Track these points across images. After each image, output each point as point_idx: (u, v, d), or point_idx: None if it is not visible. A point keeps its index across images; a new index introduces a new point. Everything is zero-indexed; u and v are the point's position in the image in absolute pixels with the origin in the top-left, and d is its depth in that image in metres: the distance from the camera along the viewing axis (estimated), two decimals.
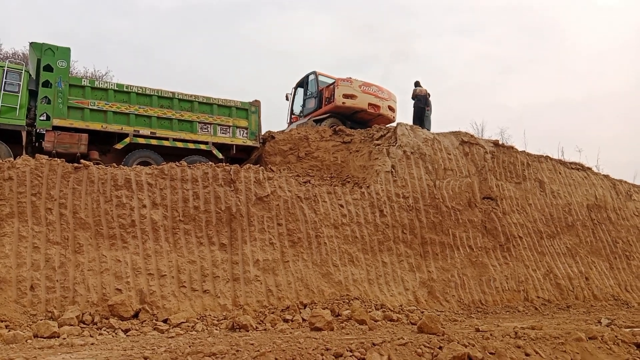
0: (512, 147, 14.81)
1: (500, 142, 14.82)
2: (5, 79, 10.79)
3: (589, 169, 16.40)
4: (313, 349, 5.52)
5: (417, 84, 16.05)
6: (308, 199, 10.66)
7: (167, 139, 12.21)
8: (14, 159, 9.07)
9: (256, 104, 13.71)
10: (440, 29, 64.96)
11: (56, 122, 11.12)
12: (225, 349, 5.27)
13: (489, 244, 12.27)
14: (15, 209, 8.27)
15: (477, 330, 7.26)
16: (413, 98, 15.84)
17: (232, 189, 9.95)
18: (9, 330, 6.49)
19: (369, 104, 15.03)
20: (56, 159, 9.13)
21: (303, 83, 16.50)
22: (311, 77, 16.09)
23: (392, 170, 12.09)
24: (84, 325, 7.25)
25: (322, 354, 5.46)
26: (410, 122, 14.46)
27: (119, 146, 11.72)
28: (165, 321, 7.77)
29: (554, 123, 48.38)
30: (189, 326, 7.56)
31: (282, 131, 15.78)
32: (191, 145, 12.51)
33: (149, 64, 50.16)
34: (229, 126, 13.15)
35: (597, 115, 52.47)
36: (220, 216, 9.60)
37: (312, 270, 9.85)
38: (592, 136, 44.69)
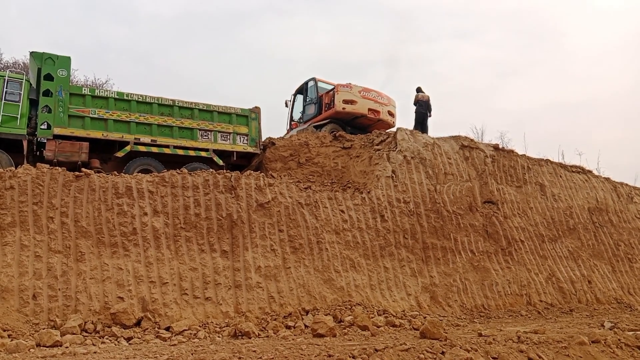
0: (513, 151, 14.83)
1: (500, 146, 14.84)
2: (6, 88, 10.83)
3: (590, 172, 16.40)
4: (315, 356, 5.52)
5: (419, 89, 16.08)
6: (309, 204, 10.67)
7: (167, 146, 12.24)
8: (15, 168, 9.09)
9: (256, 110, 13.75)
10: (439, 34, 65.17)
11: (57, 130, 11.15)
12: (228, 357, 5.27)
13: (490, 248, 12.26)
14: (17, 217, 8.28)
15: (480, 335, 7.25)
16: (415, 104, 15.88)
17: (233, 196, 9.97)
18: (12, 340, 6.48)
19: (369, 110, 15.07)
20: (57, 167, 9.16)
21: (302, 89, 16.54)
22: (310, 83, 16.13)
23: (393, 175, 12.10)
24: (87, 334, 7.25)
25: None
26: (410, 127, 14.47)
27: (119, 154, 11.74)
28: (167, 329, 7.76)
29: (554, 126, 48.44)
30: (191, 334, 7.56)
31: (282, 137, 15.82)
32: (192, 153, 12.54)
33: (149, 71, 50.32)
34: (230, 133, 13.18)
35: (597, 118, 52.54)
36: (221, 223, 9.61)
37: (314, 276, 9.84)
38: (593, 139, 44.78)
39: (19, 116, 10.81)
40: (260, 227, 9.87)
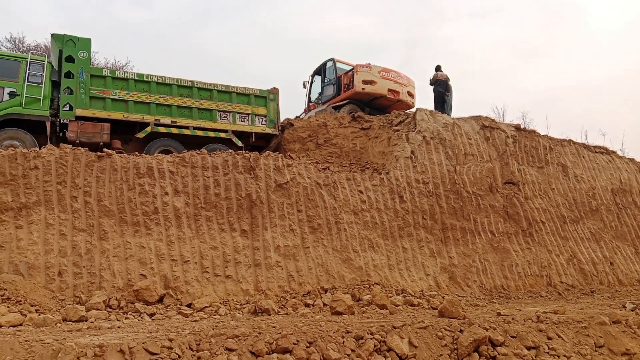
0: (534, 131, 14.59)
1: (521, 126, 14.61)
2: (29, 70, 10.99)
3: (614, 152, 16.07)
4: (334, 332, 5.58)
5: (437, 68, 15.86)
6: (327, 185, 10.69)
7: (187, 127, 12.33)
8: (39, 148, 9.27)
9: (274, 91, 13.73)
10: (459, 13, 63.89)
11: (79, 112, 11.31)
12: (248, 332, 5.36)
13: (510, 229, 12.16)
14: (42, 197, 8.47)
15: (499, 314, 7.24)
16: (432, 83, 15.67)
17: (252, 176, 10.03)
18: (39, 314, 6.68)
19: (389, 90, 14.94)
20: (80, 148, 9.32)
21: (320, 70, 16.45)
22: (329, 64, 16.02)
23: (412, 155, 12.03)
24: (111, 310, 7.44)
25: (343, 337, 5.52)
26: (430, 108, 14.33)
27: (140, 135, 11.88)
28: (189, 306, 7.92)
29: (577, 107, 47.45)
30: (212, 310, 7.70)
31: (297, 117, 15.81)
32: (211, 134, 12.62)
33: (168, 53, 50.49)
34: (248, 114, 13.21)
35: (622, 98, 51.22)
36: (240, 203, 9.69)
37: (333, 256, 9.90)
38: (617, 120, 43.72)
39: (41, 98, 10.97)
40: (279, 207, 9.94)
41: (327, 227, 10.17)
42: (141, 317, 7.19)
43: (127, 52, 55.91)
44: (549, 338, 6.39)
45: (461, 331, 5.95)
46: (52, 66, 11.63)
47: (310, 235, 9.96)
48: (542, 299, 10.71)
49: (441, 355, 5.65)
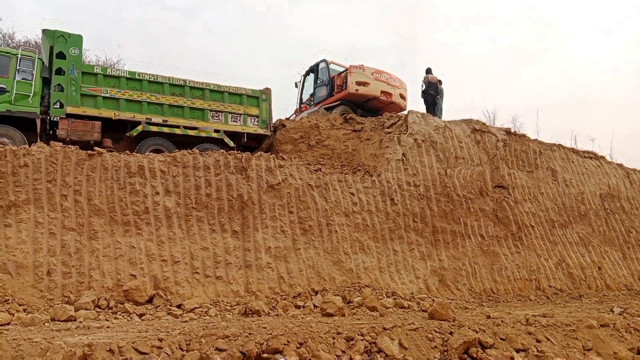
0: (524, 136, 14.70)
1: (512, 130, 14.71)
2: (19, 66, 10.87)
3: (602, 157, 16.24)
4: (325, 333, 5.59)
5: (428, 71, 15.93)
6: (319, 187, 10.69)
7: (178, 126, 12.27)
8: (29, 146, 9.18)
9: (267, 92, 13.71)
10: (452, 18, 64.18)
11: (69, 109, 11.21)
12: (238, 332, 5.35)
13: (500, 233, 12.24)
14: (31, 195, 8.39)
15: (488, 317, 7.28)
16: (425, 91, 15.71)
17: (244, 177, 10.01)
18: (27, 314, 6.62)
19: (382, 92, 14.98)
20: (70, 146, 9.24)
21: (313, 71, 16.45)
22: (322, 65, 16.03)
23: (403, 158, 12.07)
24: (100, 310, 7.38)
25: (333, 338, 5.52)
26: (421, 110, 14.38)
27: (131, 134, 11.80)
28: (179, 306, 7.87)
29: (567, 113, 47.82)
30: (202, 311, 7.67)
31: (289, 118, 15.80)
32: (203, 134, 12.57)
33: (159, 53, 50.20)
34: (240, 114, 13.18)
35: (611, 104, 51.71)
36: (232, 203, 9.67)
37: (324, 257, 9.90)
38: (606, 127, 44.14)
39: (31, 94, 10.86)
40: (271, 208, 9.92)
41: (318, 228, 10.17)
42: (130, 318, 7.15)
43: (118, 50, 55.45)
44: (538, 341, 6.44)
45: (451, 333, 5.97)
46: (43, 62, 11.52)
47: (302, 236, 9.96)
48: (531, 302, 10.79)
49: (431, 357, 5.66)
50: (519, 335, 6.39)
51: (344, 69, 15.41)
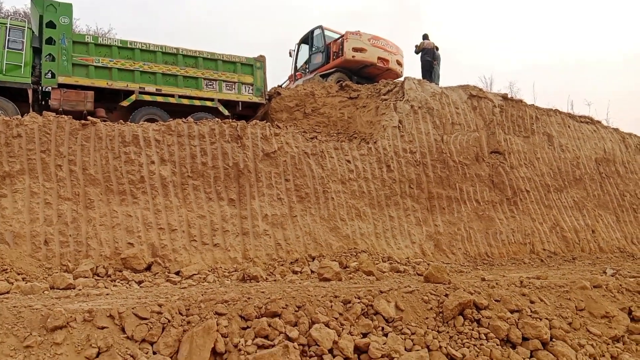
0: (521, 101, 14.63)
1: (509, 96, 14.63)
2: (9, 36, 10.69)
3: (599, 122, 16.23)
4: (322, 296, 5.66)
5: (425, 36, 15.73)
6: (315, 154, 10.67)
7: (172, 95, 12.16)
8: (22, 116, 9.09)
9: (261, 59, 13.55)
10: None
11: (61, 79, 11.08)
12: (237, 297, 5.41)
13: (496, 198, 12.31)
14: (26, 165, 8.35)
15: (483, 279, 7.38)
16: (418, 52, 15.55)
17: (239, 145, 9.97)
18: (26, 282, 6.67)
19: (378, 58, 14.81)
20: (64, 116, 9.15)
21: (308, 38, 16.21)
22: (317, 31, 15.78)
23: (399, 125, 12.02)
24: (99, 278, 7.44)
25: (331, 301, 5.60)
26: (418, 77, 14.25)
27: (125, 103, 11.70)
28: (177, 273, 7.95)
29: (564, 78, 47.52)
30: (200, 278, 7.74)
31: (280, 86, 15.67)
32: (197, 102, 12.47)
33: (151, 21, 49.31)
34: (235, 82, 13.05)
35: (607, 71, 51.37)
36: (228, 172, 9.66)
37: (320, 224, 9.96)
38: (603, 91, 43.93)
39: (22, 65, 10.71)
40: (267, 176, 9.92)
41: (314, 196, 10.20)
42: (129, 285, 7.21)
43: (109, 20, 54.44)
44: (532, 302, 6.55)
45: (446, 295, 6.06)
46: (33, 32, 11.32)
47: (298, 204, 9.99)
48: (525, 265, 10.93)
49: (427, 318, 5.76)
50: (513, 296, 6.49)
51: (339, 35, 15.20)
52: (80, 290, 6.48)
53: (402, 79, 13.95)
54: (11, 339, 4.40)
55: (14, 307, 4.82)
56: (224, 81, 12.91)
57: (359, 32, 14.74)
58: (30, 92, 10.78)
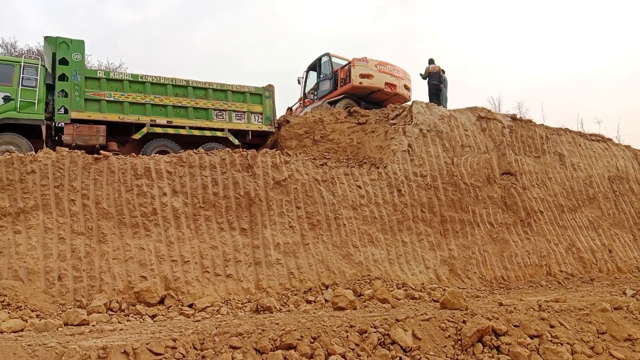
0: (530, 121, 14.60)
1: (518, 116, 14.61)
2: (23, 74, 10.94)
3: (610, 140, 16.10)
4: (337, 326, 5.58)
5: (430, 61, 15.87)
6: (325, 181, 10.68)
7: (183, 127, 12.30)
8: (35, 152, 9.22)
9: (270, 88, 13.71)
10: (449, 4, 63.74)
11: (74, 115, 11.26)
12: (251, 329, 5.36)
13: (509, 220, 12.19)
14: (40, 201, 8.43)
15: (501, 304, 7.25)
16: (425, 77, 15.66)
17: (250, 174, 10.01)
18: (40, 319, 6.66)
19: (386, 83, 14.90)
20: (76, 150, 9.27)
21: (315, 66, 16.40)
22: (324, 58, 15.97)
23: (409, 149, 12.02)
24: (112, 313, 7.41)
25: (346, 331, 5.52)
26: (425, 100, 14.31)
27: (136, 136, 11.84)
28: (190, 306, 7.90)
29: (572, 97, 47.50)
30: (214, 310, 7.69)
31: (290, 108, 15.82)
32: (207, 133, 12.58)
33: (161, 54, 50.31)
34: (244, 112, 13.18)
35: (615, 88, 51.29)
36: (239, 201, 9.68)
37: (333, 251, 9.90)
38: (612, 109, 43.78)
39: (36, 101, 10.92)
40: (278, 204, 9.93)
41: (326, 223, 10.17)
42: (143, 319, 7.17)
43: (120, 54, 55.72)
44: (552, 326, 6.41)
45: (464, 322, 5.95)
46: (46, 69, 11.57)
47: (310, 231, 9.95)
48: (543, 288, 10.75)
49: (445, 346, 5.65)
50: (533, 321, 6.35)
51: (346, 62, 15.36)
52: (94, 326, 6.46)
53: (409, 103, 14.01)
54: None
55: (29, 345, 4.80)
56: (234, 111, 13.05)
57: (366, 58, 14.89)
58: (43, 128, 10.96)
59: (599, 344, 6.35)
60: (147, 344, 4.89)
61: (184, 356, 4.86)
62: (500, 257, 11.50)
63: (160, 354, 4.81)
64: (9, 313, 6.75)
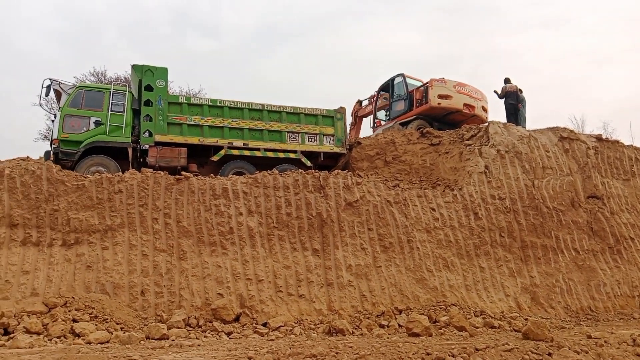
0: (618, 142, 13.72)
1: (603, 137, 13.78)
2: (112, 100, 11.72)
3: None
4: (413, 353, 5.42)
5: (506, 80, 15.38)
6: (398, 203, 10.53)
7: (258, 149, 12.63)
8: (122, 173, 9.79)
9: (341, 111, 13.82)
10: (524, 25, 61.81)
11: (158, 137, 11.88)
12: (325, 351, 5.31)
13: (596, 247, 11.42)
14: (126, 219, 8.92)
15: (589, 337, 6.76)
16: (501, 96, 15.18)
17: (322, 195, 10.07)
18: (124, 332, 6.98)
19: (464, 105, 14.60)
20: (160, 172, 9.75)
21: (388, 86, 16.35)
22: (398, 79, 15.89)
23: (486, 170, 11.63)
24: (190, 328, 7.64)
25: (422, 358, 5.34)
26: (502, 121, 13.85)
27: (215, 158, 12.28)
28: (264, 325, 7.99)
29: None
30: (287, 330, 7.73)
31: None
32: (281, 155, 12.83)
33: (237, 80, 52.32)
34: (316, 134, 13.34)
35: None
36: (311, 222, 9.74)
37: (406, 275, 9.69)
38: None
39: (123, 125, 11.64)
40: (350, 225, 9.89)
41: (399, 245, 9.99)
42: (219, 336, 7.33)
43: (200, 80, 58.47)
44: None
45: (549, 354, 5.59)
46: (133, 95, 12.33)
47: (382, 254, 9.82)
48: (635, 321, 9.93)
49: None
50: (627, 357, 5.87)
51: (420, 83, 15.21)
52: (173, 340, 6.68)
53: (486, 123, 13.61)
54: None
55: (114, 357, 5.03)
56: (307, 133, 13.25)
57: (444, 79, 14.68)
58: (130, 151, 11.64)
59: None
60: None
61: None
62: (587, 286, 10.77)
63: None
64: (96, 325, 7.14)
